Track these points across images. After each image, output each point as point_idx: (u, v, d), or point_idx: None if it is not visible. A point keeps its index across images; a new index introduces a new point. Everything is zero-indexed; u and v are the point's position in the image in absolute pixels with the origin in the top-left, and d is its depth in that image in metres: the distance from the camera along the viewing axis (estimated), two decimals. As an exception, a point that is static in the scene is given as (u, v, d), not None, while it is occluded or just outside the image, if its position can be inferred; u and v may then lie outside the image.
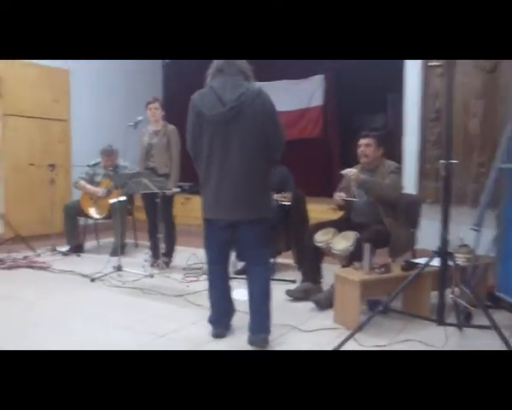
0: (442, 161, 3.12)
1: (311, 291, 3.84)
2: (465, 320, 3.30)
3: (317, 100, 7.68)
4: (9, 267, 4.90)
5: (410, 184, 5.15)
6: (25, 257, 5.21)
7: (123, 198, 5.18)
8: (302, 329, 3.29)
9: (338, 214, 4.33)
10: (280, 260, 4.97)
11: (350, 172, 3.81)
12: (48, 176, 5.71)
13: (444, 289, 3.07)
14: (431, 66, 5.20)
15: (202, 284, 3.82)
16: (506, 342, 2.73)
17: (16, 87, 6.17)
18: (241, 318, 3.21)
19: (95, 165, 5.71)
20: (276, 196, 4.36)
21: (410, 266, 3.46)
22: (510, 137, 3.50)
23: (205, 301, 3.29)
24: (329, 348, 2.90)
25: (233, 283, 3.35)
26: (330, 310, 3.55)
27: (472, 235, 3.49)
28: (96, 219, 5.72)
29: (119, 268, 4.63)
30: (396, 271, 3.49)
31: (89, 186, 5.64)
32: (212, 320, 3.19)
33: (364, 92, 7.19)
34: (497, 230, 3.59)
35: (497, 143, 3.85)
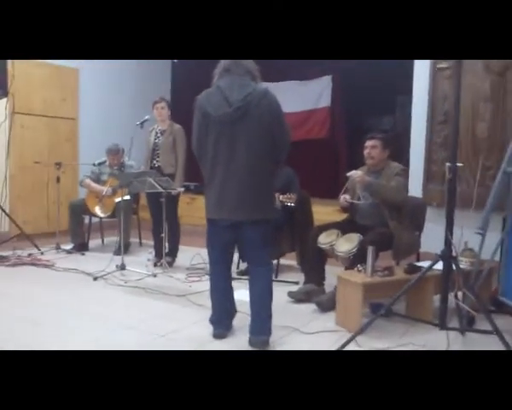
0: (448, 164, 3.09)
1: (314, 293, 3.83)
2: (468, 325, 3.27)
3: (325, 101, 7.69)
4: (14, 265, 4.92)
5: (415, 186, 5.12)
6: (29, 255, 5.23)
7: (127, 197, 5.19)
8: (303, 331, 3.27)
9: (343, 216, 4.31)
10: (283, 261, 4.96)
11: (355, 174, 3.79)
12: (54, 174, 5.73)
13: (447, 293, 3.04)
14: (440, 68, 5.16)
15: (205, 284, 3.81)
16: (508, 346, 2.70)
17: (26, 85, 6.19)
18: (243, 318, 3.20)
19: (100, 164, 5.72)
20: (280, 197, 4.34)
21: (413, 269, 3.43)
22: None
23: (207, 301, 3.28)
24: (330, 350, 2.88)
25: (235, 283, 3.34)
26: (332, 312, 3.53)
27: (477, 239, 3.46)
28: (101, 217, 5.73)
29: (122, 267, 4.63)
30: (399, 274, 3.47)
31: (94, 185, 5.65)
32: (212, 321, 3.18)
33: (372, 94, 7.18)
34: (502, 234, 3.55)
35: (505, 147, 3.81)
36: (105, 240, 6.15)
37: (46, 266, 4.93)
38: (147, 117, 4.87)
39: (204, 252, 3.22)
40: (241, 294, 3.51)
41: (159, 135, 4.96)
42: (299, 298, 3.87)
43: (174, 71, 8.54)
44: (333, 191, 5.94)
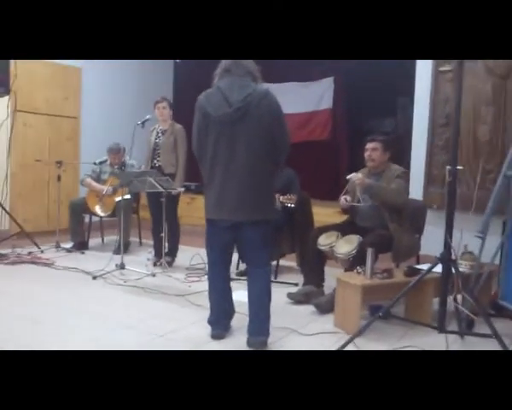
0: (448, 167, 3.09)
1: (313, 295, 3.82)
2: (467, 328, 3.26)
3: (327, 103, 7.67)
4: (13, 263, 4.92)
5: (416, 189, 5.12)
6: (29, 253, 5.23)
7: (128, 196, 5.19)
8: (302, 332, 3.26)
9: (343, 218, 4.30)
10: (283, 262, 4.95)
11: (355, 176, 3.78)
12: (55, 172, 5.74)
13: (446, 296, 3.03)
14: (442, 71, 5.16)
15: (204, 285, 3.80)
16: (506, 350, 2.70)
17: (28, 84, 6.20)
18: (241, 319, 3.19)
19: (101, 163, 5.72)
20: (281, 198, 4.34)
21: (412, 271, 3.43)
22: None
23: (206, 301, 3.27)
24: (328, 352, 2.88)
25: (234, 284, 3.34)
26: (331, 314, 3.52)
27: (477, 242, 3.45)
28: (101, 216, 5.73)
29: (121, 266, 4.63)
30: (399, 276, 3.46)
31: (94, 184, 5.65)
32: (211, 321, 3.18)
33: (374, 96, 7.17)
34: (502, 237, 3.54)
35: (506, 151, 3.80)
36: (105, 239, 6.15)
37: (46, 264, 4.92)
38: (148, 117, 4.88)
39: (203, 252, 3.22)
40: (240, 295, 3.50)
41: (160, 135, 4.96)
42: (298, 299, 3.86)
43: (176, 71, 8.55)
44: (333, 193, 5.94)
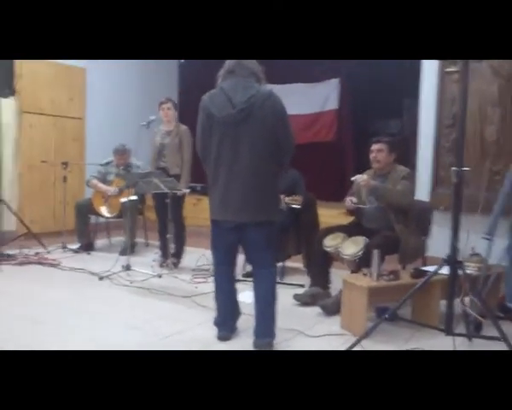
0: (453, 168, 3.08)
1: (319, 296, 3.81)
2: (475, 331, 3.24)
3: (332, 104, 7.65)
4: (21, 263, 4.94)
5: (422, 190, 5.10)
6: (36, 253, 5.25)
7: (133, 197, 5.19)
8: (308, 334, 3.25)
9: (349, 219, 4.29)
10: (289, 263, 4.95)
11: (360, 178, 3.77)
12: (61, 174, 5.75)
13: (452, 298, 3.01)
14: (448, 72, 5.13)
15: (210, 286, 3.80)
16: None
17: (33, 85, 6.22)
18: (247, 321, 3.18)
19: (107, 164, 5.73)
20: (286, 199, 4.33)
21: (419, 273, 3.41)
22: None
23: (212, 302, 3.26)
24: (335, 354, 2.86)
25: (240, 285, 3.33)
26: (338, 316, 3.51)
27: (484, 244, 3.43)
28: (107, 217, 5.74)
29: (127, 267, 4.64)
30: (405, 278, 3.44)
31: (100, 185, 5.65)
32: (217, 322, 3.18)
33: (380, 97, 7.16)
34: (510, 239, 3.52)
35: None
36: (111, 240, 6.16)
37: (52, 265, 4.94)
38: (153, 117, 4.88)
39: (210, 253, 3.22)
40: (246, 296, 3.50)
41: (165, 136, 4.96)
42: (304, 301, 3.85)
43: (181, 71, 8.55)
44: (339, 194, 5.94)
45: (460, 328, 3.19)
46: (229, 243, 3.08)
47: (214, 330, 3.17)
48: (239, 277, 3.51)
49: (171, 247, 4.92)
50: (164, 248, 5.04)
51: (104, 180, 5.72)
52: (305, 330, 3.31)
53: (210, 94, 2.98)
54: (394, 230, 3.72)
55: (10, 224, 5.74)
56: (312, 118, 7.75)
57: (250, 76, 2.93)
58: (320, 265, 3.94)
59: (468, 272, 3.11)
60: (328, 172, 7.64)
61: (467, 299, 3.07)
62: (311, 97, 7.69)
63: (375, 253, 3.32)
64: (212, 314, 3.25)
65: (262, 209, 2.93)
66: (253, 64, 2.96)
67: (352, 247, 3.69)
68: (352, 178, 3.82)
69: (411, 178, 3.99)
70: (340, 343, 3.09)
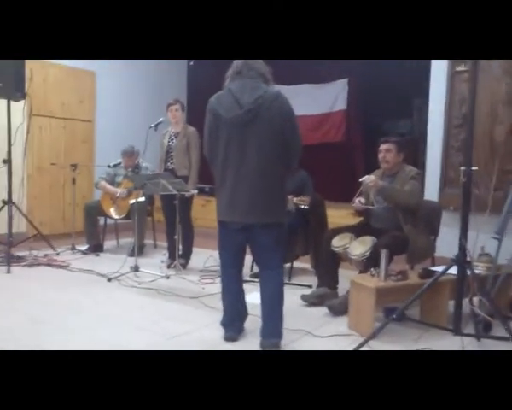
0: (462, 168, 3.06)
1: (327, 297, 3.79)
2: (484, 331, 3.21)
3: (341, 104, 7.61)
4: (30, 265, 4.97)
5: (432, 190, 5.07)
6: (45, 255, 5.29)
7: (142, 199, 5.21)
8: (315, 335, 3.24)
9: (357, 220, 4.27)
10: (297, 264, 4.93)
11: (368, 178, 3.75)
12: (70, 176, 5.79)
13: (461, 298, 3.00)
14: (458, 71, 5.08)
15: (218, 287, 3.80)
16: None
17: (43, 88, 6.28)
18: (254, 321, 3.18)
19: (115, 165, 5.75)
20: (294, 200, 4.32)
21: (427, 273, 3.39)
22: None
23: (219, 303, 3.26)
24: (342, 354, 2.85)
25: (247, 286, 3.33)
26: (345, 316, 3.49)
27: (494, 243, 3.40)
28: (116, 219, 5.76)
29: (136, 268, 4.66)
30: (413, 278, 3.42)
31: (108, 186, 5.68)
32: (224, 323, 3.17)
33: (389, 97, 7.11)
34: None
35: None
36: (120, 241, 6.19)
37: (61, 266, 4.97)
38: (161, 119, 4.91)
39: (217, 254, 3.22)
40: (253, 297, 3.49)
41: (173, 137, 4.98)
42: (312, 301, 3.84)
43: (190, 74, 8.56)
44: (348, 195, 5.89)
45: (469, 328, 3.16)
46: (237, 244, 3.07)
47: (221, 331, 3.16)
48: (246, 277, 3.50)
49: (179, 248, 4.92)
50: (172, 250, 5.04)
51: (113, 182, 5.75)
52: (312, 330, 3.30)
53: (217, 95, 2.98)
54: (402, 230, 3.70)
55: (20, 226, 5.77)
56: (321, 118, 7.73)
57: (257, 77, 2.92)
58: (328, 265, 3.92)
59: (476, 271, 3.08)
60: (336, 173, 7.61)
61: (475, 299, 3.05)
62: (319, 98, 7.67)
63: (383, 253, 3.31)
64: (219, 315, 3.25)
65: (269, 211, 2.92)
66: (260, 65, 2.96)
67: (359, 247, 3.67)
68: (360, 179, 3.81)
69: (420, 178, 3.96)
70: (347, 344, 3.07)
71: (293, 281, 4.55)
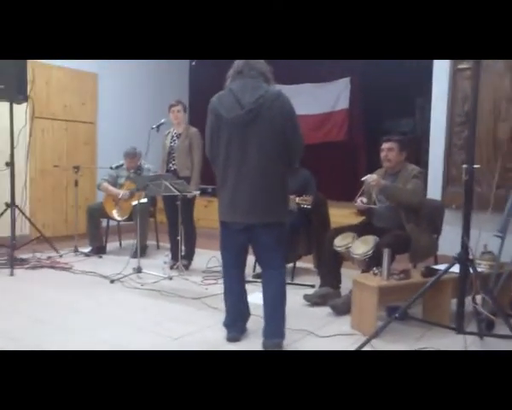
0: (464, 166, 3.05)
1: (330, 296, 3.79)
2: (487, 329, 3.20)
3: (343, 103, 7.61)
4: (33, 267, 4.98)
5: (434, 189, 5.05)
6: (48, 257, 5.29)
7: (144, 200, 5.21)
8: (318, 334, 3.24)
9: (360, 219, 4.27)
10: (300, 264, 4.93)
11: (370, 178, 3.74)
12: (72, 178, 5.80)
13: (464, 296, 2.99)
14: (460, 68, 5.07)
15: (221, 287, 3.80)
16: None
17: (45, 90, 6.28)
18: (257, 322, 3.18)
19: (118, 167, 5.75)
20: (297, 199, 4.32)
21: (430, 272, 3.38)
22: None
23: (222, 304, 3.26)
24: (344, 354, 2.84)
25: (249, 286, 3.32)
26: (348, 316, 3.49)
27: (497, 242, 3.39)
28: (119, 220, 5.77)
29: (138, 270, 4.66)
30: (416, 277, 3.41)
31: (111, 188, 5.69)
32: (226, 324, 3.17)
33: (391, 95, 7.10)
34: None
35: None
36: (122, 243, 6.19)
37: (64, 268, 4.97)
38: (163, 120, 4.91)
39: (220, 255, 3.22)
40: (255, 297, 3.49)
41: (175, 138, 4.98)
42: (314, 301, 3.84)
43: (192, 74, 8.55)
44: (350, 194, 5.88)
45: (471, 326, 3.16)
46: (239, 244, 3.07)
47: (224, 332, 3.16)
48: (248, 278, 3.50)
49: (182, 249, 4.92)
50: (174, 251, 5.04)
51: (115, 183, 5.76)
52: (315, 330, 3.30)
53: (219, 95, 2.98)
54: (405, 229, 3.69)
55: (23, 228, 5.78)
56: (323, 118, 7.72)
57: (259, 76, 2.92)
58: (330, 265, 3.92)
59: (479, 270, 3.07)
60: (339, 172, 7.60)
61: (478, 297, 3.04)
62: (321, 97, 7.66)
63: (386, 252, 3.30)
64: (222, 316, 3.25)
65: (270, 210, 2.92)
66: (261, 64, 2.96)
67: (362, 246, 3.66)
68: (363, 179, 3.80)
69: (422, 176, 3.95)
70: (350, 343, 3.07)
71: (295, 281, 4.55)
